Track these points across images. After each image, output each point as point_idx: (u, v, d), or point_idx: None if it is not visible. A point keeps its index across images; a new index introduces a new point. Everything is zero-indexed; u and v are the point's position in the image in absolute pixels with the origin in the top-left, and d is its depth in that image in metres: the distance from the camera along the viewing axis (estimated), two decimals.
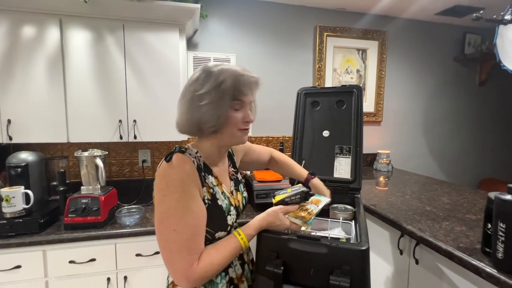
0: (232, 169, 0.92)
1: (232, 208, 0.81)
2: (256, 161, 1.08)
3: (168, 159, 0.72)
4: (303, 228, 0.82)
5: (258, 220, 0.79)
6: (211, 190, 0.76)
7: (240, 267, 0.84)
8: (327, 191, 1.01)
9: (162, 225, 0.69)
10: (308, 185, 1.02)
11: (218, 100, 0.71)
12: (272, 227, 0.80)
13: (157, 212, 0.70)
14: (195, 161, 0.74)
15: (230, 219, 0.79)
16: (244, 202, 0.91)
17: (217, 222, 0.76)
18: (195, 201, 0.70)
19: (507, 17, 1.27)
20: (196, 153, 0.77)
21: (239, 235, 0.76)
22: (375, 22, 2.37)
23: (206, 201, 0.74)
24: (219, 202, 0.77)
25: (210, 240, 0.76)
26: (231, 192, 0.85)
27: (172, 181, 0.69)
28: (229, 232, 0.79)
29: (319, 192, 1.00)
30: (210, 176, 0.78)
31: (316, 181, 1.03)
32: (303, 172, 1.07)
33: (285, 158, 1.12)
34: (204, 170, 0.76)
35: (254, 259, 0.84)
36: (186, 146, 0.79)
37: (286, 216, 0.82)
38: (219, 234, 0.77)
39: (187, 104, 0.73)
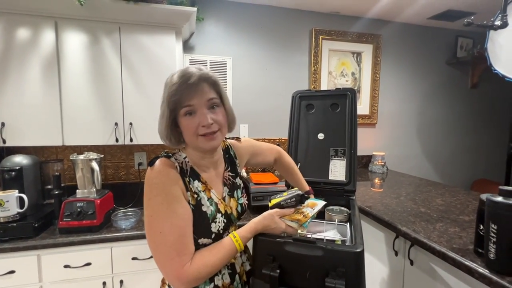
0: (229, 173, 0.89)
1: (219, 215, 0.78)
2: (262, 162, 1.06)
3: (151, 164, 0.73)
4: (299, 231, 0.82)
5: (254, 223, 0.79)
6: (196, 196, 0.75)
7: (229, 277, 0.81)
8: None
9: (149, 228, 0.69)
10: (305, 193, 1.00)
11: (164, 111, 0.73)
12: (268, 230, 0.79)
13: (145, 216, 0.70)
14: (181, 165, 0.75)
15: (215, 227, 0.76)
16: (239, 209, 0.88)
17: (200, 228, 0.74)
18: (179, 203, 0.70)
19: (497, 22, 1.30)
20: (185, 158, 0.78)
21: (234, 237, 0.76)
22: (370, 26, 2.40)
23: (190, 206, 0.74)
24: (204, 209, 0.76)
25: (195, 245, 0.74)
26: (223, 198, 0.83)
27: (154, 185, 0.70)
28: (214, 240, 0.76)
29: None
30: (196, 181, 0.77)
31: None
32: (305, 186, 1.07)
33: (291, 165, 1.09)
34: (190, 175, 0.77)
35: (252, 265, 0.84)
36: (176, 151, 0.80)
37: (282, 219, 0.81)
38: (202, 240, 0.75)
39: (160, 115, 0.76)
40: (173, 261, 0.67)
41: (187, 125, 0.73)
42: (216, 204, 0.79)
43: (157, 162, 0.73)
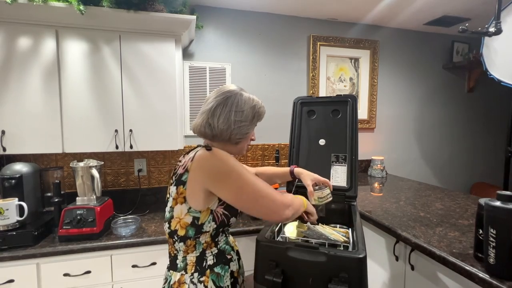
0: None
1: None
2: None
3: (209, 149, 0.83)
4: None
5: (308, 204, 0.99)
6: None
7: (237, 262, 0.95)
8: (310, 175, 1.11)
9: (244, 189, 0.81)
10: (294, 175, 1.13)
11: (251, 121, 0.91)
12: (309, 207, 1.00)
13: (231, 185, 0.80)
14: None
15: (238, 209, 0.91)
16: None
17: (233, 209, 0.87)
18: (249, 171, 0.86)
19: (491, 29, 1.32)
20: None
21: (302, 198, 0.97)
22: (367, 32, 2.43)
23: None
24: None
25: (224, 223, 0.87)
26: None
27: (226, 158, 0.82)
28: (236, 219, 0.91)
29: (305, 177, 1.10)
30: None
31: (299, 169, 1.15)
32: (285, 169, 1.18)
33: (265, 168, 1.25)
34: None
35: (251, 266, 0.88)
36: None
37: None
38: (232, 219, 0.89)
39: (224, 116, 0.87)
40: (275, 193, 0.84)
41: (250, 135, 0.96)
42: None
43: (213, 148, 0.84)
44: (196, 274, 0.84)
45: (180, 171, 0.85)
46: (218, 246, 0.89)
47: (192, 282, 0.83)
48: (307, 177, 1.09)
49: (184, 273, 0.85)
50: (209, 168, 0.80)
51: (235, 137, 0.89)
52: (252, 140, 0.98)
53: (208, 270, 0.85)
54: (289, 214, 0.85)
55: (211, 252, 0.87)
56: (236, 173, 0.80)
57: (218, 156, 0.81)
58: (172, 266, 0.88)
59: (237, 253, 0.98)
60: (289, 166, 1.25)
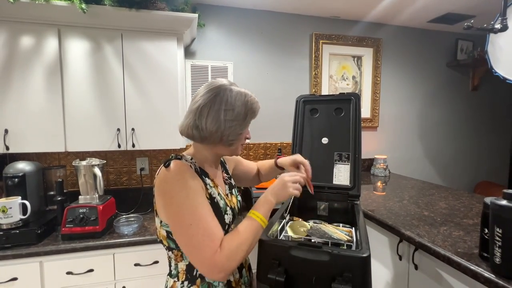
0: (225, 175, 0.99)
1: (228, 208, 0.85)
2: (247, 173, 1.15)
3: (167, 165, 0.77)
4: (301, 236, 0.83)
5: (268, 196, 0.81)
6: (209, 191, 0.82)
7: (238, 272, 0.87)
8: (290, 159, 1.01)
9: (178, 224, 0.72)
10: (278, 165, 1.07)
11: (242, 119, 0.80)
12: (280, 198, 0.81)
13: (170, 214, 0.74)
14: (191, 165, 0.81)
15: (227, 218, 0.84)
16: (238, 205, 0.96)
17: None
18: (201, 196, 0.76)
19: (497, 26, 1.31)
20: (191, 159, 0.84)
21: (254, 214, 0.77)
22: (370, 30, 2.41)
23: (208, 200, 0.79)
24: (217, 201, 0.82)
25: None
26: (226, 195, 0.91)
27: (176, 182, 0.74)
28: (226, 232, 0.82)
29: (285, 164, 1.02)
30: (207, 179, 0.84)
31: (282, 158, 1.06)
32: (271, 160, 1.13)
33: (260, 162, 1.20)
34: (201, 173, 0.83)
35: (255, 265, 0.84)
36: (181, 154, 0.85)
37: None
38: None
39: (213, 117, 0.77)
40: (206, 248, 0.70)
41: (244, 134, 0.85)
42: (224, 199, 0.86)
43: (173, 163, 0.77)
44: (186, 283, 0.81)
45: (154, 182, 0.81)
46: None
47: None
48: (287, 162, 1.01)
49: (176, 280, 0.82)
50: (161, 191, 0.75)
51: (228, 138, 0.79)
52: (247, 138, 0.88)
53: (199, 279, 0.80)
54: (220, 278, 0.72)
55: None
56: (178, 207, 0.72)
57: (169, 178, 0.74)
58: (169, 272, 0.86)
59: None
60: None
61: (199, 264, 0.71)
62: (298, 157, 0.99)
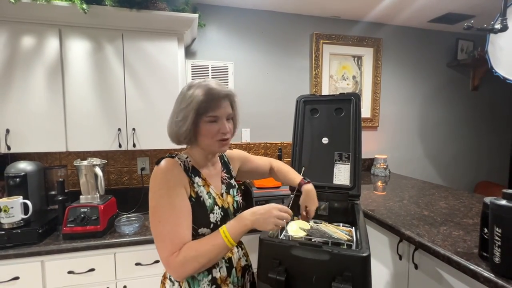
0: (225, 174, 1.00)
1: (216, 208, 0.86)
2: (255, 171, 1.14)
3: (158, 163, 0.82)
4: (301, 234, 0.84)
5: (244, 219, 0.79)
6: (196, 189, 0.84)
7: (226, 270, 0.88)
8: (315, 201, 1.01)
9: (152, 217, 0.78)
10: (300, 190, 1.04)
11: (187, 115, 0.80)
12: (256, 226, 0.78)
13: (149, 207, 0.79)
14: (184, 163, 0.85)
15: (213, 217, 0.85)
16: (235, 205, 0.96)
17: (200, 218, 0.82)
18: (179, 197, 0.79)
19: (497, 26, 1.31)
20: (186, 158, 0.88)
21: (224, 232, 0.77)
22: (370, 30, 2.42)
23: (192, 198, 0.83)
24: (203, 200, 0.84)
25: (194, 235, 0.82)
26: (221, 194, 0.92)
27: (160, 180, 0.79)
28: (212, 230, 0.84)
29: (309, 199, 1.00)
30: (197, 177, 0.87)
31: (309, 187, 1.02)
32: (297, 177, 1.08)
33: (281, 165, 1.16)
34: (191, 171, 0.86)
35: (251, 265, 0.88)
36: (177, 153, 0.89)
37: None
38: (202, 230, 0.83)
39: (169, 119, 0.86)
40: (165, 248, 0.75)
41: (209, 130, 0.82)
42: (214, 198, 0.88)
43: (163, 161, 0.82)
44: None
45: None
46: None
47: (170, 279, 0.86)
48: (304, 200, 1.01)
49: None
50: (150, 184, 0.81)
51: (183, 139, 0.84)
52: (223, 133, 0.83)
53: None
54: (176, 277, 0.76)
55: None
56: (154, 201, 0.78)
57: (155, 176, 0.80)
58: None
59: (229, 261, 0.89)
60: (292, 165, 1.24)
61: (160, 256, 0.76)
62: (313, 205, 1.00)
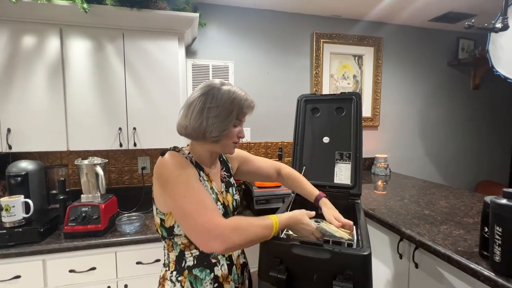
0: (225, 173, 1.00)
1: (219, 203, 0.87)
2: (257, 173, 1.12)
3: (163, 154, 0.81)
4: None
5: (289, 214, 0.84)
6: (202, 183, 0.83)
7: (227, 268, 0.88)
8: (336, 213, 1.00)
9: (174, 199, 0.73)
10: (319, 203, 1.04)
11: (225, 117, 0.81)
12: (298, 226, 0.84)
13: (167, 193, 0.75)
14: (187, 158, 0.84)
15: None
16: (234, 204, 0.96)
17: None
18: (196, 177, 0.79)
19: (498, 25, 1.31)
20: (188, 153, 0.88)
21: (272, 216, 0.79)
22: (371, 29, 2.41)
23: None
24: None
25: None
26: (221, 192, 0.93)
27: (171, 165, 0.77)
28: None
29: (333, 210, 1.01)
30: (201, 172, 0.87)
31: (327, 201, 1.04)
32: (314, 190, 1.08)
33: (295, 174, 1.14)
34: (196, 165, 0.86)
35: (253, 265, 0.86)
36: (179, 148, 0.88)
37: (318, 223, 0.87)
38: None
39: (197, 113, 0.81)
40: (202, 215, 0.69)
41: (233, 132, 0.86)
42: (216, 194, 0.88)
43: (168, 153, 0.81)
44: (175, 273, 0.84)
45: None
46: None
47: (171, 280, 0.84)
48: (329, 212, 0.99)
49: (167, 269, 0.86)
50: (158, 175, 0.78)
51: (211, 135, 0.81)
52: (240, 137, 0.88)
53: (186, 271, 0.83)
54: (217, 248, 0.67)
55: (191, 254, 0.84)
56: (171, 182, 0.74)
57: (164, 162, 0.77)
58: (163, 261, 0.91)
59: (229, 258, 0.89)
60: (292, 164, 1.25)
61: (196, 231, 0.69)
62: (341, 217, 0.98)
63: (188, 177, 0.76)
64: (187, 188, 0.73)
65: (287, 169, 1.14)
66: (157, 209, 0.83)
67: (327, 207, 1.02)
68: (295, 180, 1.12)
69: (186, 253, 0.84)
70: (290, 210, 1.05)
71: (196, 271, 0.83)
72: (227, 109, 0.81)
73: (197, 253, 0.84)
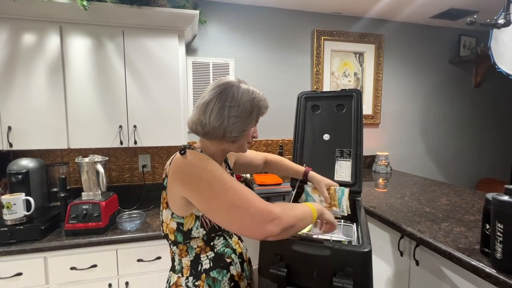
0: (228, 170, 1.00)
1: None
2: (248, 165, 1.15)
3: (183, 153, 0.76)
4: (306, 230, 0.85)
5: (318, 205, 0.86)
6: None
7: (240, 266, 0.88)
8: (324, 180, 1.07)
9: (215, 195, 0.69)
10: (307, 177, 1.09)
11: (246, 117, 0.79)
12: (322, 216, 0.84)
13: (201, 191, 0.71)
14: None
15: None
16: None
17: None
18: (225, 171, 0.76)
19: (501, 21, 1.30)
20: (201, 152, 0.83)
21: (309, 204, 0.81)
22: (372, 26, 2.40)
23: None
24: None
25: (215, 229, 0.81)
26: None
27: (200, 162, 0.73)
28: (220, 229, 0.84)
29: (318, 182, 1.07)
30: None
31: (314, 173, 1.10)
32: (299, 168, 1.13)
33: (279, 158, 1.20)
34: None
35: (254, 260, 0.86)
36: (193, 146, 0.85)
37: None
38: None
39: (217, 112, 0.77)
40: (254, 201, 0.68)
41: (250, 132, 0.85)
42: None
43: (188, 151, 0.77)
44: (191, 278, 0.81)
45: (164, 175, 0.81)
46: (215, 249, 0.83)
47: (187, 285, 0.81)
48: (322, 182, 1.05)
49: (180, 275, 0.83)
50: (181, 174, 0.73)
51: (231, 135, 0.78)
52: (254, 137, 0.88)
53: (204, 275, 0.81)
54: (275, 230, 0.66)
55: (207, 256, 0.82)
56: (206, 179, 0.70)
57: (190, 161, 0.73)
58: (172, 267, 0.87)
59: (240, 256, 0.90)
60: (293, 161, 1.24)
61: (249, 219, 0.67)
62: (333, 183, 1.05)
63: (221, 171, 0.73)
64: (225, 181, 0.70)
65: (271, 156, 1.20)
66: (172, 213, 0.79)
67: (317, 179, 1.08)
68: (281, 163, 1.17)
69: (201, 256, 0.82)
70: None
71: (214, 273, 0.81)
72: (247, 109, 0.79)
73: (212, 255, 0.83)
